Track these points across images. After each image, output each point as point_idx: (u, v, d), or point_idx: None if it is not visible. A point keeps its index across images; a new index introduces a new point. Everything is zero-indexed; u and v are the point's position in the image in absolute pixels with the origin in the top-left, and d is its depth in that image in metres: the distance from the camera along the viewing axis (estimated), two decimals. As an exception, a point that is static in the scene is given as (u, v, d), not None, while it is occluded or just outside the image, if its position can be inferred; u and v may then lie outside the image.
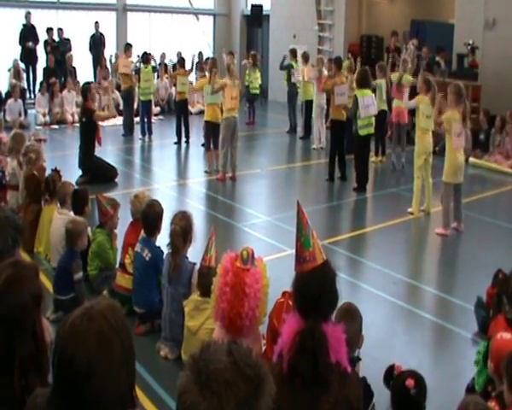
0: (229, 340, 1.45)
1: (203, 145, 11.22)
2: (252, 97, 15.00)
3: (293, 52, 14.43)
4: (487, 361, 3.43)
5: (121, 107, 13.88)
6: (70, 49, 16.15)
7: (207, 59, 11.29)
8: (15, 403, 1.85)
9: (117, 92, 15.16)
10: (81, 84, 14.55)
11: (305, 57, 13.44)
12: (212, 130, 10.21)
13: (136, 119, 13.65)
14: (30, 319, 1.93)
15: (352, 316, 3.35)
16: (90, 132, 9.28)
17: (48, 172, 6.78)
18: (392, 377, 3.08)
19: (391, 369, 3.11)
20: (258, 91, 15.21)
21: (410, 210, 8.21)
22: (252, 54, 15.35)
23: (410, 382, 2.92)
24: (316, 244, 2.48)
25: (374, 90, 10.48)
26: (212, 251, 4.24)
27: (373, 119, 9.36)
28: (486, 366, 3.47)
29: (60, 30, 16.17)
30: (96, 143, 9.38)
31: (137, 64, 14.07)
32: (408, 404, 2.95)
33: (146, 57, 13.18)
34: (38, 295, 1.99)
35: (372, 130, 9.41)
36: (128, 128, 13.21)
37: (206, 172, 10.25)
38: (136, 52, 13.93)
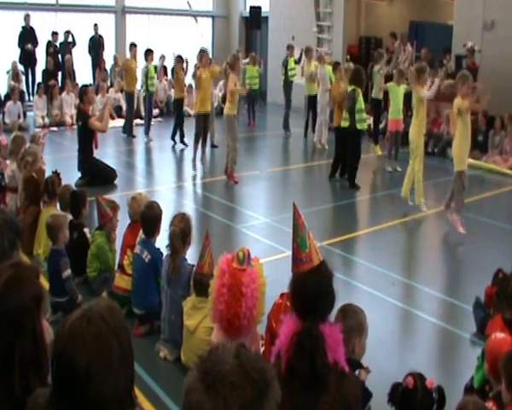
0: (237, 343, 1.47)
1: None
2: (252, 95, 14.87)
3: (290, 48, 14.46)
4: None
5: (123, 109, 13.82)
6: (71, 52, 16.16)
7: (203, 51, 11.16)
8: (15, 403, 1.86)
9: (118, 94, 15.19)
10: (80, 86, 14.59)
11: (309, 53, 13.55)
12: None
13: (137, 120, 13.68)
14: (30, 320, 1.93)
15: (344, 316, 3.21)
16: (87, 135, 9.29)
17: (47, 175, 6.78)
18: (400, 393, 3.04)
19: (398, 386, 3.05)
20: (257, 86, 15.20)
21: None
22: (251, 54, 15.47)
23: (410, 380, 2.92)
24: (312, 245, 2.50)
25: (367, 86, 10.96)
26: (206, 257, 4.24)
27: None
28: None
29: (67, 33, 16.18)
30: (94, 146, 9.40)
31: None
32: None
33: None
34: (39, 296, 2.00)
35: (366, 125, 9.84)
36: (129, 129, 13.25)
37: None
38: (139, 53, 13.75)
